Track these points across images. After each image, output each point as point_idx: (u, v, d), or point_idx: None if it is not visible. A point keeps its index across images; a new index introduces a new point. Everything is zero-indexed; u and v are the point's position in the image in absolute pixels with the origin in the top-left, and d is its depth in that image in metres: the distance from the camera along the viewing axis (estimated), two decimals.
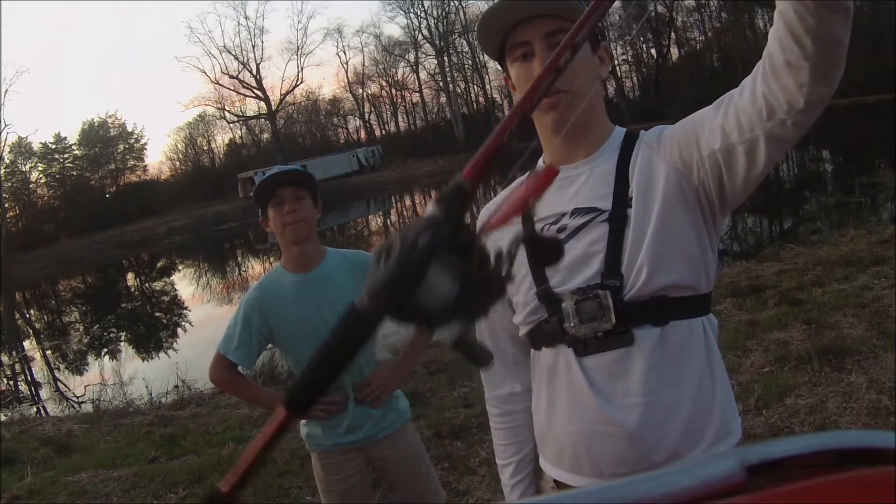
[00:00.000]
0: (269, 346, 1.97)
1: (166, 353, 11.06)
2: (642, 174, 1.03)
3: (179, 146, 54.75)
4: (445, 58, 46.75)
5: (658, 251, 0.99)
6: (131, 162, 51.86)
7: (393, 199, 32.87)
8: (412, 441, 2.03)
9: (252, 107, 46.10)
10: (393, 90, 52.38)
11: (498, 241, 0.94)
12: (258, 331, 1.88)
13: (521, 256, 0.93)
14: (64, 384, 9.87)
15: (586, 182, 1.06)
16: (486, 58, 49.76)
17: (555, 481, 1.11)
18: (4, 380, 11.43)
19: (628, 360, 1.00)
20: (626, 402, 1.00)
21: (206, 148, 55.26)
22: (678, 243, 1.00)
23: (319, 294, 1.87)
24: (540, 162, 1.13)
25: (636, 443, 1.00)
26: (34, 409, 8.16)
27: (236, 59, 41.95)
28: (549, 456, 1.12)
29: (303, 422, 1.98)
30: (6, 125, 42.01)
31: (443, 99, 50.51)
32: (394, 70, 50.91)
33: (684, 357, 1.01)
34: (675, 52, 41.95)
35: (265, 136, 50.27)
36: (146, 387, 6.75)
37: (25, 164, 45.89)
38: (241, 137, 54.07)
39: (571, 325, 1.02)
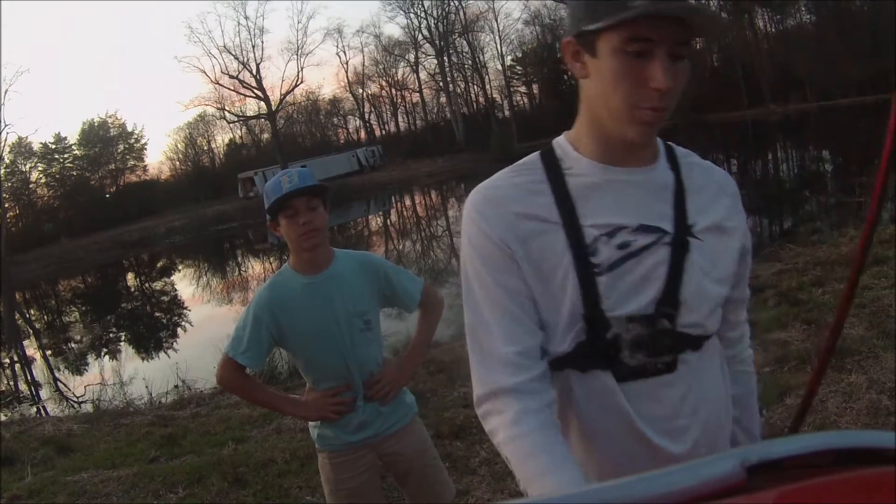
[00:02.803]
0: (276, 347, 1.98)
1: (166, 353, 11.07)
2: (705, 210, 0.98)
3: (179, 146, 54.81)
4: (445, 58, 46.74)
5: (709, 290, 0.97)
6: (131, 162, 51.84)
7: (393, 199, 32.86)
8: (420, 434, 2.05)
9: (252, 107, 46.07)
10: (393, 90, 52.43)
11: (535, 236, 0.93)
12: (269, 333, 1.87)
13: (566, 262, 0.92)
14: (64, 384, 9.88)
15: (645, 194, 0.95)
16: (486, 58, 49.15)
17: None
18: (4, 380, 11.43)
19: (670, 385, 0.96)
20: (671, 426, 0.96)
21: (206, 148, 55.31)
22: (721, 284, 0.99)
23: (330, 295, 1.87)
24: (563, 144, 0.99)
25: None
26: (34, 409, 8.17)
27: (236, 59, 41.86)
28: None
29: (312, 423, 1.98)
30: (6, 125, 42.07)
31: (443, 99, 50.57)
32: (394, 70, 50.99)
33: (714, 373, 1.03)
34: None
35: (265, 136, 50.24)
36: (146, 387, 6.75)
37: (25, 164, 45.89)
38: (241, 137, 54.11)
39: (625, 353, 0.93)
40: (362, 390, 1.91)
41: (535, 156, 1.00)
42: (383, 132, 54.20)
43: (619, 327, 0.93)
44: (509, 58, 48.50)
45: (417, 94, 51.74)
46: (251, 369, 1.91)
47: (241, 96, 43.92)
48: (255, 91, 42.25)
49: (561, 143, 1.00)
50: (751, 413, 1.14)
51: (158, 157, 76.84)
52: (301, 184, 1.80)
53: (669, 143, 1.03)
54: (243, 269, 21.41)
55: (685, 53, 0.86)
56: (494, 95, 50.65)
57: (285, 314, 1.87)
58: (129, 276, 27.01)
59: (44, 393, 9.62)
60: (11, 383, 11.02)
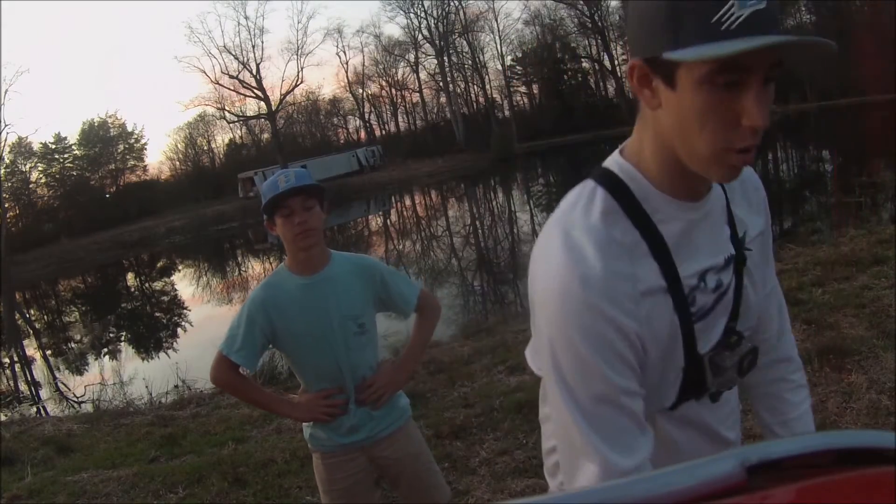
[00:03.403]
0: (270, 347, 1.98)
1: (166, 353, 11.07)
2: (748, 214, 0.94)
3: (179, 146, 54.83)
4: (445, 58, 46.73)
5: (756, 297, 0.95)
6: (131, 162, 51.86)
7: (393, 199, 32.86)
8: (414, 438, 2.04)
9: (252, 107, 46.07)
10: (393, 90, 52.45)
11: (650, 314, 0.81)
12: (262, 332, 1.88)
13: (674, 326, 0.84)
14: (64, 384, 9.88)
15: (716, 223, 0.88)
16: (486, 58, 49.17)
17: None
18: (4, 380, 11.43)
19: (727, 400, 0.98)
20: (732, 419, 1.00)
21: (206, 148, 55.33)
22: (764, 289, 0.99)
23: (325, 296, 1.87)
24: (621, 177, 0.86)
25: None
26: (34, 409, 8.17)
27: (236, 59, 41.86)
28: None
29: (305, 423, 1.99)
30: (6, 125, 42.02)
31: (443, 99, 50.58)
32: (394, 70, 51.02)
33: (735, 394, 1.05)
34: None
35: (265, 136, 50.26)
36: (146, 387, 6.75)
37: (25, 164, 45.91)
38: (241, 137, 54.12)
39: (711, 379, 0.89)
40: (354, 394, 1.91)
41: (603, 193, 0.84)
42: (383, 132, 54.25)
43: (708, 360, 0.88)
44: (509, 58, 48.62)
45: (417, 94, 51.79)
46: (245, 368, 1.92)
47: (241, 96, 43.98)
48: (255, 91, 42.28)
49: (631, 173, 0.84)
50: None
51: (158, 157, 76.88)
52: (297, 183, 1.80)
53: None
54: (243, 269, 21.41)
55: (777, 76, 0.74)
56: (494, 95, 50.70)
57: (279, 315, 1.87)
58: (129, 276, 27.01)
59: (44, 393, 9.62)
60: (11, 383, 11.02)
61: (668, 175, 0.82)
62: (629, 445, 0.79)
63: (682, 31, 0.71)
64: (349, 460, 1.95)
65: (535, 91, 49.97)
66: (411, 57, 48.86)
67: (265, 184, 1.88)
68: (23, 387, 10.61)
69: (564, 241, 0.80)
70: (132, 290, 22.71)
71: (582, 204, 0.83)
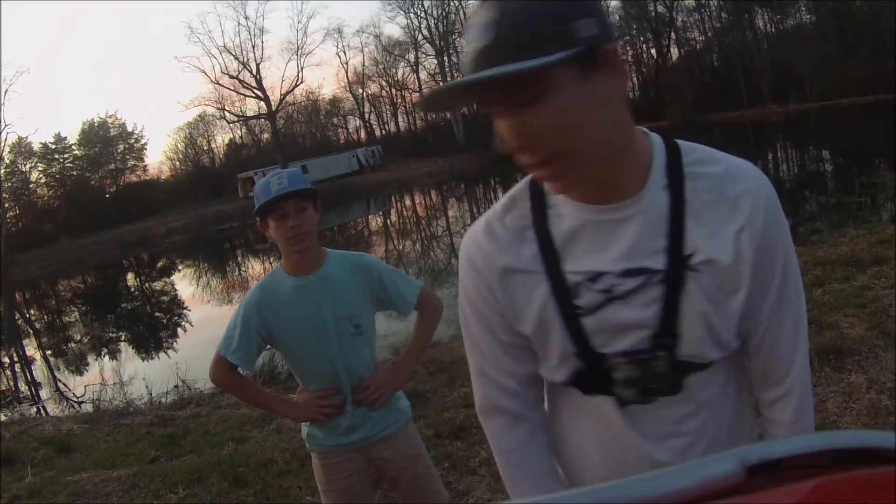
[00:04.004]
0: (269, 346, 1.98)
1: (166, 353, 11.06)
2: (709, 235, 0.85)
3: (179, 146, 54.81)
4: (445, 58, 46.72)
5: (713, 321, 0.89)
6: (131, 162, 51.86)
7: (393, 199, 32.85)
8: (413, 441, 2.03)
9: (252, 107, 46.11)
10: (393, 90, 52.43)
11: (519, 288, 0.92)
12: (257, 333, 1.87)
13: (550, 308, 0.90)
14: (64, 384, 9.88)
15: (633, 232, 0.86)
16: None
17: None
18: (4, 380, 11.43)
19: (671, 406, 0.93)
20: (673, 442, 0.95)
21: (206, 148, 55.31)
22: (731, 313, 0.90)
23: (320, 297, 1.86)
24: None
25: None
26: (34, 409, 8.16)
27: (236, 59, 41.91)
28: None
29: (304, 423, 1.99)
30: (6, 125, 42.01)
31: None
32: (394, 70, 50.98)
33: (724, 393, 0.97)
34: (675, 52, 41.95)
35: (265, 136, 50.26)
36: (146, 387, 6.74)
37: (25, 164, 45.91)
38: (241, 137, 54.10)
39: (624, 389, 0.92)
40: (351, 394, 1.90)
41: (524, 185, 0.93)
42: (383, 132, 54.22)
43: (612, 363, 0.91)
44: None
45: (417, 94, 51.71)
46: (242, 369, 1.91)
47: (241, 96, 44.02)
48: (255, 91, 42.31)
49: None
50: None
51: (158, 157, 76.83)
52: (290, 187, 1.78)
53: (680, 144, 0.89)
54: (243, 269, 21.40)
55: (521, 104, 0.76)
56: None
57: (274, 315, 1.87)
58: (129, 276, 27.01)
59: (44, 393, 9.62)
60: (11, 383, 11.02)
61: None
62: (508, 370, 0.99)
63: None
64: (347, 460, 1.94)
65: None
66: (411, 57, 48.92)
67: (258, 186, 1.85)
68: (23, 387, 10.61)
69: (471, 229, 0.97)
70: (132, 290, 22.71)
71: (510, 192, 0.95)
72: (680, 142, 0.90)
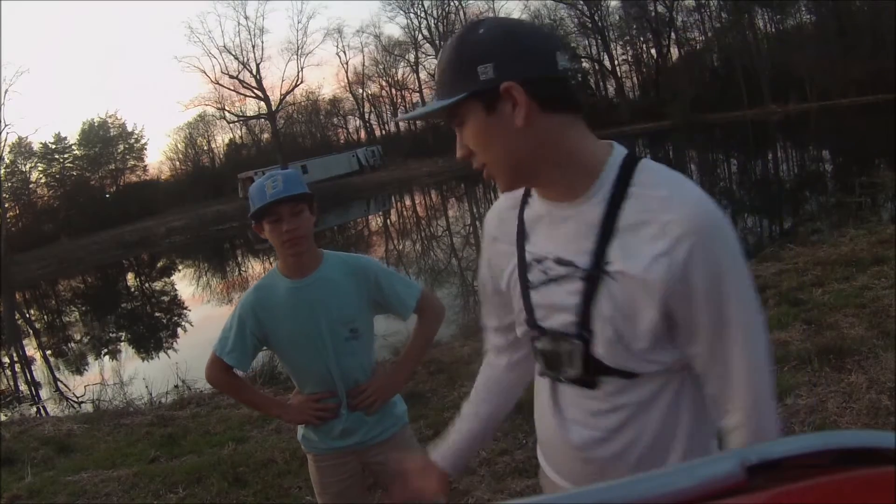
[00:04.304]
0: (264, 348, 1.97)
1: (166, 353, 11.07)
2: (630, 252, 0.94)
3: (179, 146, 54.81)
4: None
5: (622, 330, 0.97)
6: (131, 162, 51.88)
7: (393, 199, 32.85)
8: (409, 445, 2.00)
9: (252, 107, 46.09)
10: (393, 90, 52.44)
11: (500, 256, 1.16)
12: (252, 334, 1.86)
13: (514, 277, 1.12)
14: (64, 384, 9.88)
15: (570, 229, 1.00)
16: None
17: (541, 468, 1.24)
18: (4, 380, 11.43)
19: (591, 398, 1.05)
20: (583, 432, 1.07)
21: (206, 148, 55.31)
22: (644, 328, 0.97)
23: (315, 300, 1.83)
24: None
25: (590, 472, 1.08)
26: (34, 409, 8.16)
27: (236, 59, 41.89)
28: (541, 450, 1.23)
29: (299, 425, 1.98)
30: (6, 125, 42.04)
31: None
32: (394, 70, 50.98)
33: (650, 409, 1.02)
34: (675, 52, 41.95)
35: (265, 136, 50.26)
36: (146, 387, 6.74)
37: (25, 164, 45.93)
38: (241, 137, 54.10)
39: (538, 358, 1.10)
40: (346, 398, 1.87)
41: None
42: (383, 132, 54.21)
43: (542, 343, 1.08)
44: None
45: (417, 94, 51.74)
46: (238, 369, 1.91)
47: (241, 96, 44.01)
48: (255, 91, 42.30)
49: None
50: None
51: (158, 157, 76.64)
52: (285, 191, 1.75)
53: (639, 163, 0.98)
54: (243, 269, 21.41)
55: (457, 124, 0.99)
56: None
57: (268, 318, 1.85)
58: (129, 276, 27.01)
59: (44, 393, 9.62)
60: (11, 383, 11.02)
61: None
62: (496, 314, 1.25)
63: None
64: (341, 464, 1.93)
65: None
66: (411, 57, 48.91)
67: (252, 188, 1.82)
68: (23, 387, 10.61)
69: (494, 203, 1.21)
70: (132, 290, 22.71)
71: None
72: (642, 161, 0.99)
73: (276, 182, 1.77)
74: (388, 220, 26.21)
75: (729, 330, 0.93)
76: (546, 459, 1.19)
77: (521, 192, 1.10)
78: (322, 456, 1.95)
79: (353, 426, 1.90)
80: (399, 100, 53.21)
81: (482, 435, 1.31)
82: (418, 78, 49.95)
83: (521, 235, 1.08)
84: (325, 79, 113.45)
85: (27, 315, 22.12)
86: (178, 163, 54.98)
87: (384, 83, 51.96)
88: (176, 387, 6.71)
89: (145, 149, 52.88)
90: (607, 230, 0.96)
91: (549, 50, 0.95)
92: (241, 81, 42.00)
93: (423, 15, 45.87)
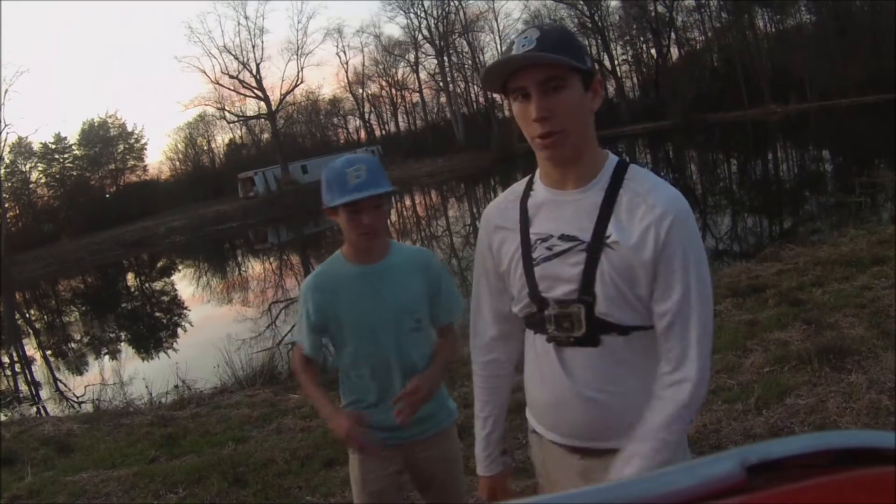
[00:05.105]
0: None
1: (166, 353, 11.07)
2: (626, 227, 1.18)
3: (179, 146, 54.83)
4: (445, 58, 46.75)
5: (622, 288, 1.19)
6: (131, 162, 51.88)
7: (393, 198, 32.84)
8: (454, 444, 1.97)
9: (252, 107, 45.99)
10: (393, 90, 52.46)
11: (503, 241, 1.33)
12: (315, 319, 1.82)
13: (517, 257, 1.30)
14: (64, 384, 9.88)
15: (573, 211, 1.22)
16: (486, 58, 49.09)
17: (535, 430, 1.41)
18: (4, 380, 11.43)
19: (594, 357, 1.23)
20: (587, 388, 1.24)
21: (206, 148, 55.34)
22: (639, 289, 1.19)
23: (382, 288, 1.80)
24: (538, 173, 1.30)
25: (589, 420, 1.26)
26: (34, 409, 8.16)
27: (236, 59, 41.74)
28: (534, 413, 1.40)
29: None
30: (6, 125, 41.99)
31: (443, 99, 50.57)
32: (394, 70, 51.00)
33: (644, 359, 1.22)
34: (675, 52, 41.95)
35: (265, 136, 50.23)
36: (146, 387, 6.75)
37: (25, 164, 45.90)
38: (241, 137, 54.11)
39: (551, 328, 1.25)
40: (399, 389, 1.78)
41: (527, 177, 1.34)
42: (383, 132, 54.26)
43: (551, 309, 1.24)
44: None
45: (417, 94, 51.80)
46: (310, 355, 1.88)
47: (241, 96, 43.88)
48: (255, 91, 42.22)
49: (538, 170, 1.32)
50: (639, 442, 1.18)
51: (158, 157, 76.78)
52: (371, 188, 1.68)
53: (630, 166, 1.24)
54: (243, 269, 21.41)
55: (554, 86, 1.14)
56: (494, 95, 50.50)
57: (328, 302, 1.81)
58: (129, 276, 27.02)
59: (44, 393, 9.62)
60: (11, 383, 11.02)
61: (542, 168, 1.29)
62: (494, 308, 1.41)
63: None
64: (386, 458, 1.85)
65: None
66: (411, 57, 48.91)
67: (330, 170, 1.73)
68: (23, 387, 10.62)
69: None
70: (132, 290, 22.71)
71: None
72: (631, 165, 1.25)
73: (359, 172, 1.69)
74: (388, 221, 26.20)
75: (691, 295, 1.16)
76: (545, 423, 1.35)
77: (522, 186, 1.32)
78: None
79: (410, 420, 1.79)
80: (399, 100, 53.30)
81: (505, 431, 1.52)
82: (418, 78, 50.03)
83: (525, 221, 1.28)
84: (325, 79, 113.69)
85: (27, 315, 22.12)
86: (178, 163, 55.07)
87: (384, 83, 52.07)
88: (176, 387, 6.71)
89: (145, 149, 52.97)
90: (606, 211, 1.19)
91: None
92: (241, 81, 41.93)
93: (423, 15, 45.90)
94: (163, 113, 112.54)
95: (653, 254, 1.16)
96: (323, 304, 1.81)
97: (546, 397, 1.32)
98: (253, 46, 43.42)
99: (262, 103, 42.85)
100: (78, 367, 11.39)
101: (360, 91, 51.47)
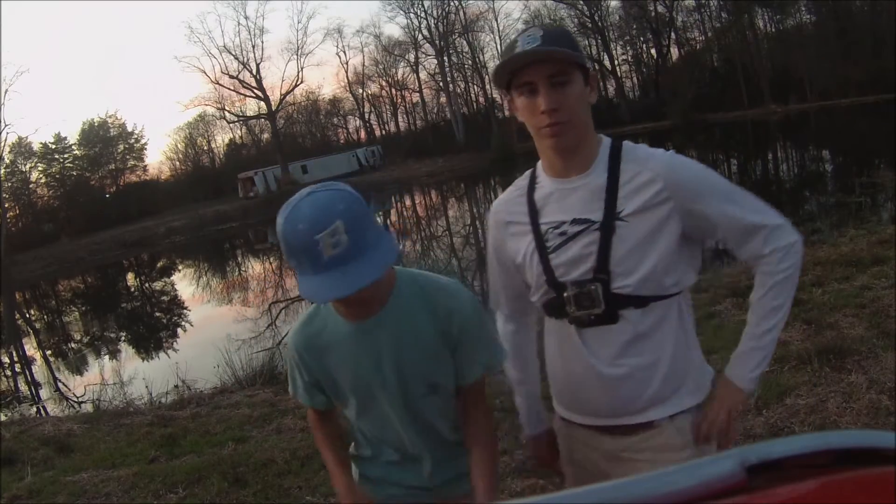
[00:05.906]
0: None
1: (166, 353, 11.07)
2: (634, 197, 1.27)
3: (179, 146, 54.80)
4: (445, 58, 46.71)
5: (637, 260, 1.26)
6: (131, 162, 51.82)
7: (393, 199, 32.84)
8: None
9: (252, 107, 46.00)
10: (393, 90, 52.41)
11: (515, 235, 1.40)
12: (303, 379, 1.50)
13: (531, 249, 1.36)
14: (64, 384, 9.87)
15: (581, 195, 1.30)
16: (486, 58, 48.91)
17: (560, 417, 1.45)
18: (4, 380, 11.43)
19: (615, 333, 1.29)
20: (611, 365, 1.30)
21: (206, 148, 55.30)
22: (654, 257, 1.27)
23: (379, 349, 1.39)
24: (540, 166, 1.38)
25: (616, 396, 1.31)
26: (34, 409, 8.16)
27: (236, 59, 41.76)
28: (556, 396, 1.46)
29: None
30: (6, 125, 41.96)
31: (443, 99, 50.52)
32: (394, 70, 50.95)
33: (662, 329, 1.30)
34: (675, 52, 41.94)
35: (265, 136, 50.23)
36: (146, 387, 6.74)
37: (25, 164, 45.86)
38: (241, 137, 54.09)
39: (572, 308, 1.31)
40: (429, 462, 1.48)
41: (530, 170, 1.40)
42: (383, 132, 54.22)
43: (569, 291, 1.30)
44: None
45: (417, 94, 51.76)
46: (321, 409, 1.55)
47: (241, 96, 43.92)
48: (255, 91, 42.23)
49: (540, 162, 1.39)
50: (756, 316, 1.40)
51: (158, 157, 76.62)
52: (355, 276, 1.21)
53: (621, 143, 1.33)
54: (243, 269, 21.41)
55: (561, 80, 1.23)
56: (494, 95, 50.63)
57: (322, 366, 1.46)
58: (129, 276, 27.00)
59: (44, 393, 9.61)
60: (11, 383, 11.02)
61: (545, 160, 1.36)
62: (509, 295, 1.51)
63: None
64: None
65: None
66: (411, 57, 48.87)
67: (288, 230, 1.22)
68: (23, 387, 10.61)
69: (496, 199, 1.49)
70: (132, 290, 22.70)
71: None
72: (624, 141, 1.34)
73: (336, 238, 1.25)
74: (388, 220, 26.20)
75: (735, 197, 1.30)
76: (572, 407, 1.40)
77: (525, 181, 1.39)
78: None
79: (439, 482, 1.52)
80: (399, 100, 53.26)
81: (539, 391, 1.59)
82: (418, 78, 49.99)
83: (534, 213, 1.35)
84: (325, 79, 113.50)
85: (27, 315, 22.11)
86: (178, 163, 55.03)
87: (384, 83, 52.02)
88: (176, 387, 6.71)
89: (145, 149, 52.89)
90: (613, 188, 1.27)
91: None
92: (241, 81, 41.95)
93: (423, 15, 45.86)
94: (163, 113, 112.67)
95: (667, 211, 1.26)
96: (314, 367, 1.45)
97: (571, 379, 1.36)
98: (253, 46, 43.46)
99: (262, 103, 42.90)
100: (78, 367, 11.37)
101: (360, 91, 51.50)
